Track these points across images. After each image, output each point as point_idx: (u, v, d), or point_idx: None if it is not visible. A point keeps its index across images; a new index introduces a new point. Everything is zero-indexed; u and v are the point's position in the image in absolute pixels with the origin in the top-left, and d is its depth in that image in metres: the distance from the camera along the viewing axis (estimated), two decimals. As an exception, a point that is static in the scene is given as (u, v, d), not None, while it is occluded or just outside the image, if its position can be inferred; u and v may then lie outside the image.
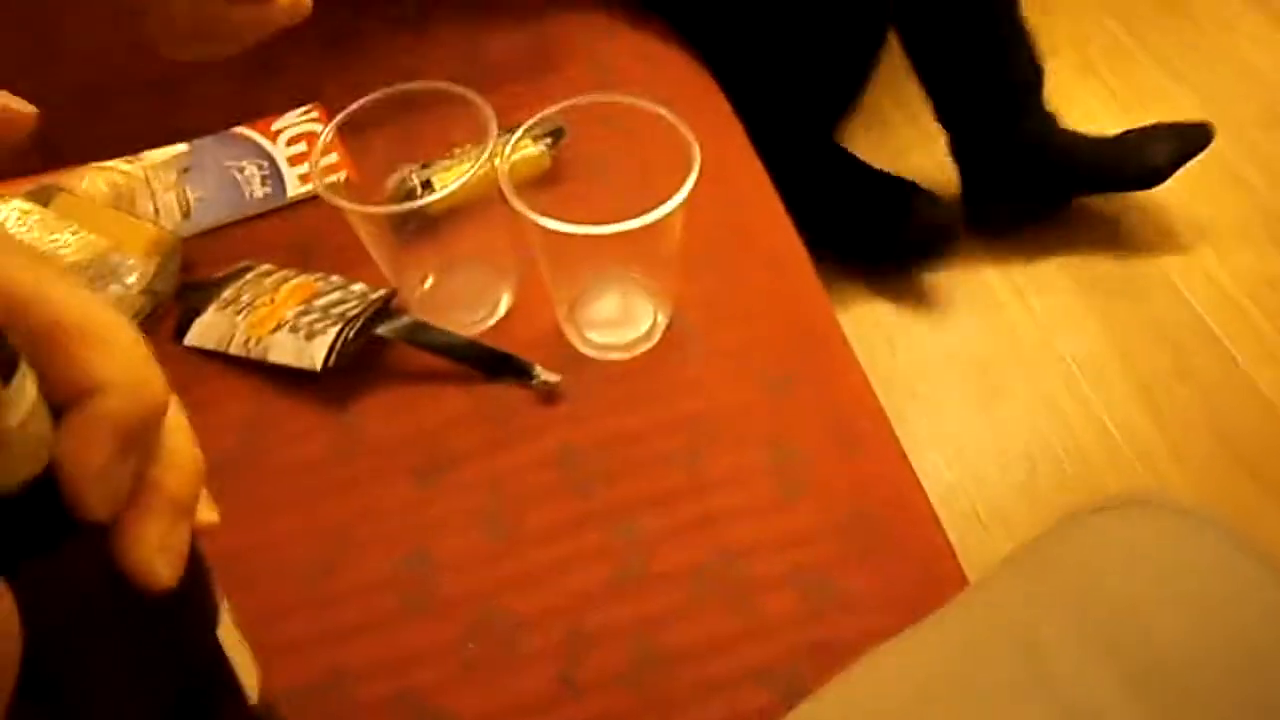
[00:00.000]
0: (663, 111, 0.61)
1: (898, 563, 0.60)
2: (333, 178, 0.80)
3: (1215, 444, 1.23)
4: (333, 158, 0.82)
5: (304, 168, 0.81)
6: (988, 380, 1.32)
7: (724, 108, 0.88)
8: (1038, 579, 0.45)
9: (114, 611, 0.27)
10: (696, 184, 0.72)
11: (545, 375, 0.66)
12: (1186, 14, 1.71)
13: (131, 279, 0.70)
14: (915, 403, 1.30)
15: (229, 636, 0.33)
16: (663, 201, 0.71)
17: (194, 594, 0.31)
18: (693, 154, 0.59)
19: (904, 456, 0.66)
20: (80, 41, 0.93)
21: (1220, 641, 0.40)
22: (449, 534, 0.61)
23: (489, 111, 0.67)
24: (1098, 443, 1.25)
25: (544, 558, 0.60)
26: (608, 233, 0.56)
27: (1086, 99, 1.60)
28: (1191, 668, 0.39)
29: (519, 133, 0.78)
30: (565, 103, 0.63)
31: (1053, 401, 1.29)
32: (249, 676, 0.34)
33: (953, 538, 0.63)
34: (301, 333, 0.70)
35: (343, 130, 0.84)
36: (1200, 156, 1.31)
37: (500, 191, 0.76)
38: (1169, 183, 1.33)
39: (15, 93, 0.26)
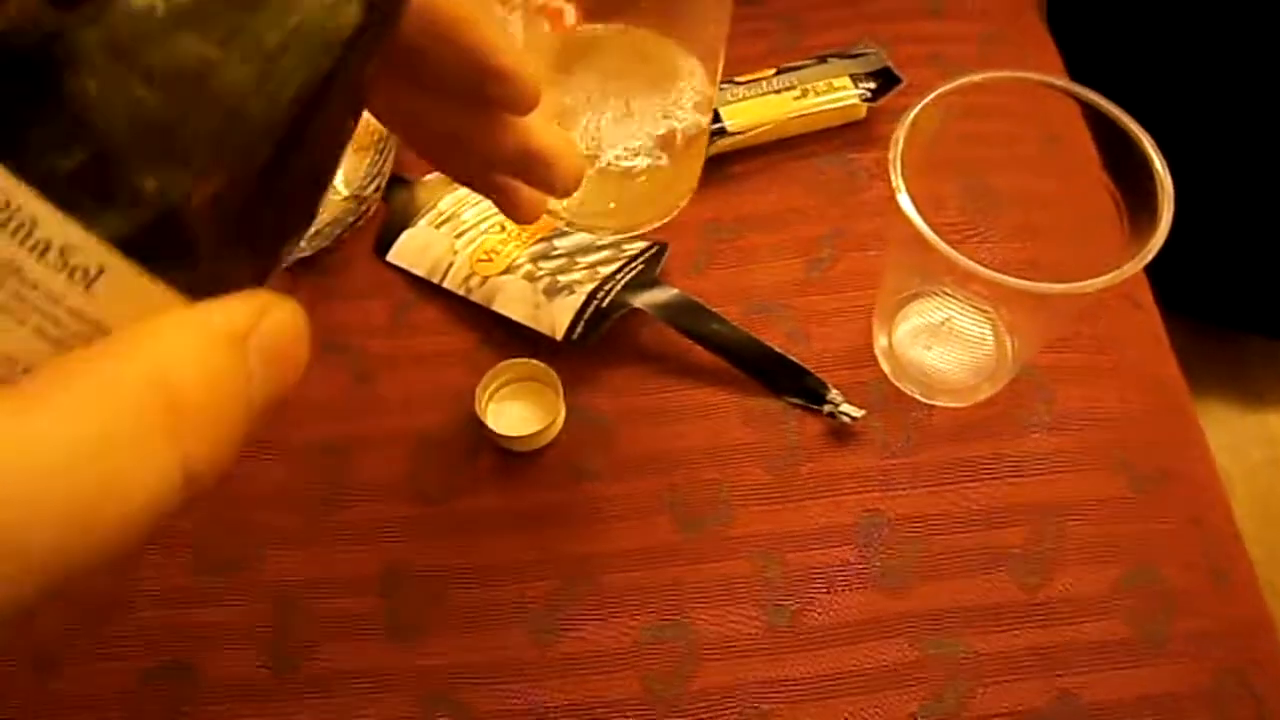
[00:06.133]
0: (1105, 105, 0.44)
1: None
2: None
3: None
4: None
5: (549, 54, 0.64)
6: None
7: (1057, 64, 0.70)
8: None
9: None
10: (1035, 180, 0.56)
11: (846, 407, 0.52)
12: None
13: (337, 179, 0.55)
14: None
15: None
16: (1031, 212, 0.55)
17: None
18: (1165, 202, 0.42)
19: (1267, 607, 0.51)
20: None
21: None
22: (713, 607, 0.48)
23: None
24: None
25: (833, 665, 0.46)
26: (1041, 291, 0.40)
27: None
28: None
29: (833, 65, 0.61)
30: (961, 81, 0.45)
31: None
32: None
33: None
34: (541, 284, 0.55)
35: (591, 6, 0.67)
36: None
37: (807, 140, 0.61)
38: None
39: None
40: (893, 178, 0.42)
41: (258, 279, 0.22)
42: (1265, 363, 1.19)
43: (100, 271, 0.18)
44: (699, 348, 0.54)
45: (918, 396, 0.53)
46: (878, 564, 0.49)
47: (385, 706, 0.47)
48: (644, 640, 0.47)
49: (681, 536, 0.50)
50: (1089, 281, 0.40)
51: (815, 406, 0.52)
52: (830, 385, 0.52)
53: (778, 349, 0.53)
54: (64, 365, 0.17)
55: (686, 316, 0.54)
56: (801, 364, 0.53)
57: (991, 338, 0.53)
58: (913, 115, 0.43)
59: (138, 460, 0.17)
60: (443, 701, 0.47)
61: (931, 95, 0.44)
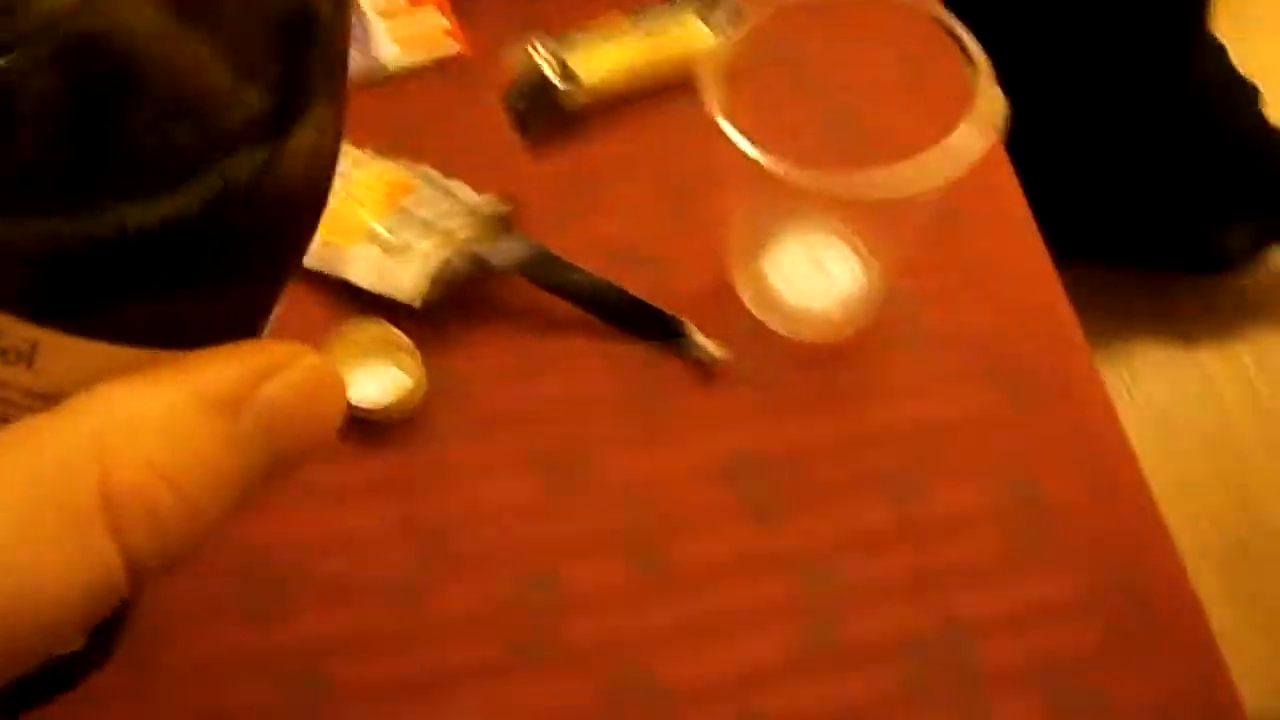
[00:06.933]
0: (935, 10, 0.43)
1: (1164, 660, 0.45)
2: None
3: None
4: (435, 17, 0.64)
5: (400, 25, 0.63)
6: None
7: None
8: None
9: None
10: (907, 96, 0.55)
11: (707, 344, 0.50)
12: None
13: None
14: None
15: None
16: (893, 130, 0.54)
17: None
18: (984, 82, 0.41)
19: (1160, 517, 0.50)
20: None
21: None
22: (579, 558, 0.46)
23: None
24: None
25: (704, 606, 0.45)
26: (882, 194, 0.39)
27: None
28: None
29: (681, 4, 0.60)
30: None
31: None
32: None
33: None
34: (393, 251, 0.53)
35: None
36: None
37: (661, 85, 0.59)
38: None
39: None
40: (706, 103, 0.41)
41: (251, 314, 0.18)
42: (1193, 301, 1.19)
43: (34, 347, 0.16)
44: (560, 301, 0.52)
45: (783, 332, 0.51)
46: (750, 500, 0.48)
47: (247, 686, 0.45)
48: (510, 601, 0.46)
49: (548, 492, 0.48)
50: (924, 171, 0.39)
51: (678, 348, 0.51)
52: (691, 324, 0.51)
53: (638, 295, 0.52)
54: None
55: (543, 269, 0.52)
56: (661, 307, 0.51)
57: (856, 266, 0.52)
58: (726, 41, 0.42)
59: (66, 552, 0.15)
60: (307, 678, 0.45)
61: (748, 25, 0.43)
